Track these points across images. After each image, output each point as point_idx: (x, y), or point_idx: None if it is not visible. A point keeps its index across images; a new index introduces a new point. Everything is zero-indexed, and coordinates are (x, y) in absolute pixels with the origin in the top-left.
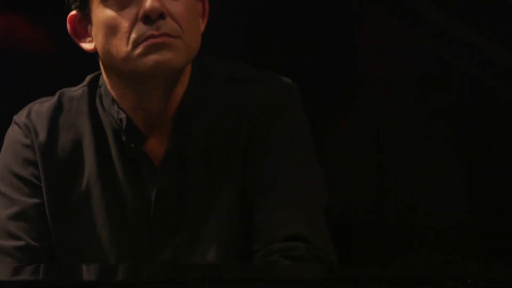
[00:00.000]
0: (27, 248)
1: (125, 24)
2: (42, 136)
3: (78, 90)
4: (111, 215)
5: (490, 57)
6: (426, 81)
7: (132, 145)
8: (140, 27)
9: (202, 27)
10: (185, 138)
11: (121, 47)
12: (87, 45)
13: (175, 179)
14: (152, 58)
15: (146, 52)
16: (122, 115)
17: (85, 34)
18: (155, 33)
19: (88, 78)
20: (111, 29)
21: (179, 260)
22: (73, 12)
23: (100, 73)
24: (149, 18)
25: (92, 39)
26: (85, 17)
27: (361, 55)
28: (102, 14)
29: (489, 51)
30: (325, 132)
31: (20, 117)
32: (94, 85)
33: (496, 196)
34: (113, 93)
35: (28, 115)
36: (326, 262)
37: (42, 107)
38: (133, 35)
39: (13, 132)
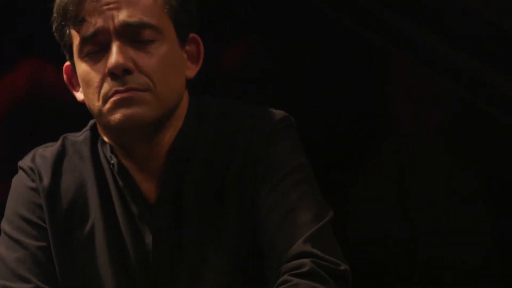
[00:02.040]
0: None
1: (96, 79)
2: (46, 180)
3: (81, 135)
4: (113, 257)
5: None
6: (452, 124)
7: (128, 189)
8: (108, 82)
9: (193, 71)
10: (178, 180)
11: (94, 101)
12: (78, 95)
13: (171, 221)
14: (120, 113)
15: (114, 107)
16: (114, 160)
17: (78, 84)
18: (121, 88)
19: (91, 122)
20: (86, 84)
21: None
22: (68, 63)
23: None
24: (114, 74)
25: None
26: (74, 68)
27: (387, 98)
28: (80, 68)
29: None
30: (350, 175)
31: (25, 161)
32: (97, 128)
33: None
34: (106, 139)
35: (33, 159)
36: (338, 273)
37: (46, 151)
38: (103, 91)
39: (20, 177)
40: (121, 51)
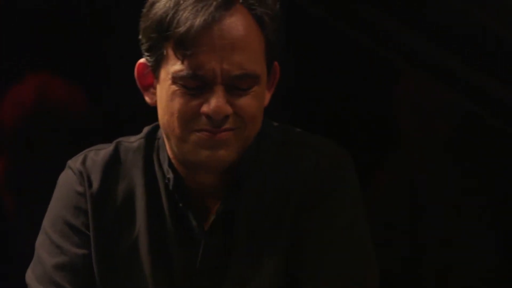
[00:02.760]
0: None
1: (187, 111)
2: (95, 185)
3: (135, 142)
4: (157, 269)
5: None
6: (460, 139)
7: (181, 204)
8: (202, 119)
9: (268, 100)
10: (236, 201)
11: (176, 127)
12: (148, 97)
13: (222, 239)
14: (204, 153)
15: (200, 144)
16: (170, 175)
17: (150, 86)
18: (214, 129)
19: (145, 129)
20: (172, 107)
21: None
22: (143, 61)
23: (158, 125)
24: (212, 118)
25: (156, 93)
26: (154, 74)
27: (395, 113)
28: (168, 88)
29: None
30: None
31: (75, 163)
32: (152, 137)
33: None
34: (168, 152)
35: (83, 162)
36: None
37: (97, 155)
38: (192, 124)
39: (67, 178)
40: (223, 97)
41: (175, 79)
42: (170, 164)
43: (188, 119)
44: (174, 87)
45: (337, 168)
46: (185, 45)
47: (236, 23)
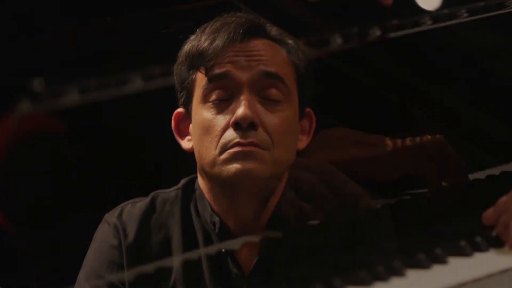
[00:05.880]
0: None
1: (217, 128)
2: (131, 236)
3: (172, 192)
4: None
5: None
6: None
7: (223, 250)
8: (230, 133)
9: (304, 144)
10: (276, 245)
11: (210, 150)
12: (185, 144)
13: (263, 284)
14: (236, 166)
15: (231, 159)
16: (216, 219)
17: (186, 133)
18: (243, 141)
19: (183, 181)
20: (205, 131)
21: None
22: (179, 110)
23: (195, 176)
24: (239, 126)
25: (191, 138)
26: (188, 115)
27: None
28: (200, 114)
29: None
30: None
31: (111, 216)
32: (189, 188)
33: None
34: (207, 196)
35: (120, 216)
36: None
37: (134, 207)
38: (222, 140)
39: (103, 231)
40: (250, 104)
41: (205, 99)
42: (213, 210)
43: (218, 134)
44: (205, 111)
45: (377, 220)
46: (209, 57)
47: (262, 42)
